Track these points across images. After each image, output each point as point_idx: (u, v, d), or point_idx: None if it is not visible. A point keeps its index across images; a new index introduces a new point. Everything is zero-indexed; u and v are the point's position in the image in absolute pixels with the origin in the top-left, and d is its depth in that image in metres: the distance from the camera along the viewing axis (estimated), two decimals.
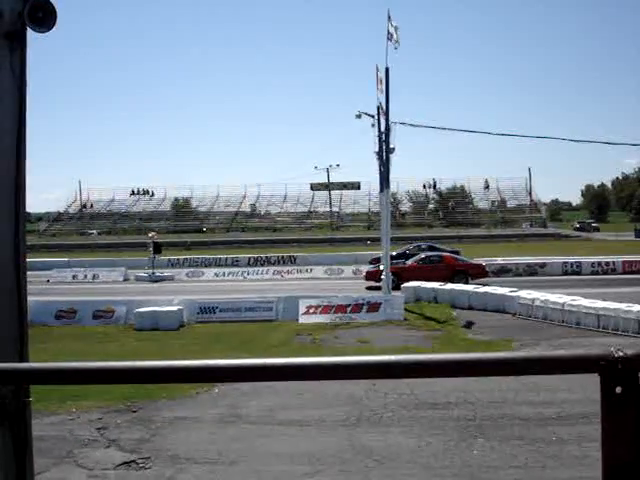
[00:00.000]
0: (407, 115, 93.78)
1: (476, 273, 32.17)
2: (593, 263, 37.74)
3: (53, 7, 5.06)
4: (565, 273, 36.82)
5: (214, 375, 2.04)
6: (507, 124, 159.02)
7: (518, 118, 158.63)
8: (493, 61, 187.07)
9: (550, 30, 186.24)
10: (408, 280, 28.82)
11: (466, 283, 29.44)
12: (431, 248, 40.32)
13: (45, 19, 5.08)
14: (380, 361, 1.73)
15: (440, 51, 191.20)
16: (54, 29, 5.13)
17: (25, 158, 5.33)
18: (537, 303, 21.21)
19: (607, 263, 37.46)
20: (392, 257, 38.29)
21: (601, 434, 1.64)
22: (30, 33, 5.19)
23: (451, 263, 32.57)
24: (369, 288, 31.35)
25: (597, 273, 36.54)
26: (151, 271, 41.66)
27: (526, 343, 17.27)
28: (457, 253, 39.35)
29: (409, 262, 33.45)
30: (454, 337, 18.81)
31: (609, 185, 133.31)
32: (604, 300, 19.97)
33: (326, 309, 22.51)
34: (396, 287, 29.40)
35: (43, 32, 5.15)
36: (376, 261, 38.02)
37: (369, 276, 33.84)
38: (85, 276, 43.47)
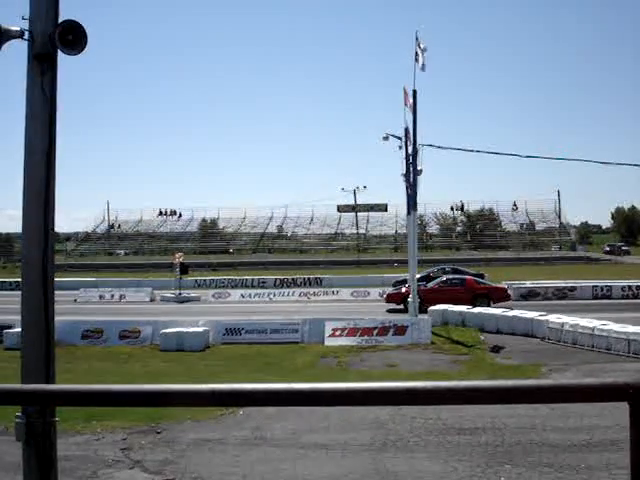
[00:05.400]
0: (435, 135, 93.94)
1: (498, 296, 31.91)
2: (624, 287, 37.21)
3: (84, 30, 5.14)
4: (595, 297, 36.31)
5: (238, 399, 2.02)
6: (536, 146, 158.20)
7: (548, 140, 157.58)
8: (524, 81, 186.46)
9: (580, 51, 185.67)
10: (429, 303, 28.61)
11: (488, 306, 29.25)
12: (455, 271, 40.26)
13: (75, 42, 5.17)
14: (407, 387, 1.70)
15: (468, 73, 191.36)
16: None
17: (54, 178, 5.41)
18: (566, 327, 20.92)
19: (638, 287, 36.89)
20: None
21: (630, 463, 1.59)
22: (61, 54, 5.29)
23: (472, 286, 32.32)
24: (390, 311, 31.18)
25: (628, 297, 35.99)
26: (177, 292, 41.87)
27: (555, 368, 17.02)
28: (481, 276, 39.22)
29: (430, 285, 33.27)
30: (482, 361, 18.59)
31: None
32: (635, 325, 19.63)
33: (352, 332, 22.39)
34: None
35: (73, 54, 5.23)
36: (399, 284, 37.94)
37: (390, 299, 33.72)
38: (112, 296, 43.78)
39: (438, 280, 34.01)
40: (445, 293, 30.99)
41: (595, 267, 64.46)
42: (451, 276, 35.12)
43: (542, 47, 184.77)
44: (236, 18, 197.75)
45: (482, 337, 22.84)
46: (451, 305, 27.28)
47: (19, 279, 5.72)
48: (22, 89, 5.29)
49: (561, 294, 37.14)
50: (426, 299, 29.90)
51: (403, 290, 33.36)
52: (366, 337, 22.09)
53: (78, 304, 39.59)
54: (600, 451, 9.82)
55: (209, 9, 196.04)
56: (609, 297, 36.18)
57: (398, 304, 32.21)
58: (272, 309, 34.00)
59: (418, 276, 38.96)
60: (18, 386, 2.14)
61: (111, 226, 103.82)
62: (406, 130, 26.47)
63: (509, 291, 33.37)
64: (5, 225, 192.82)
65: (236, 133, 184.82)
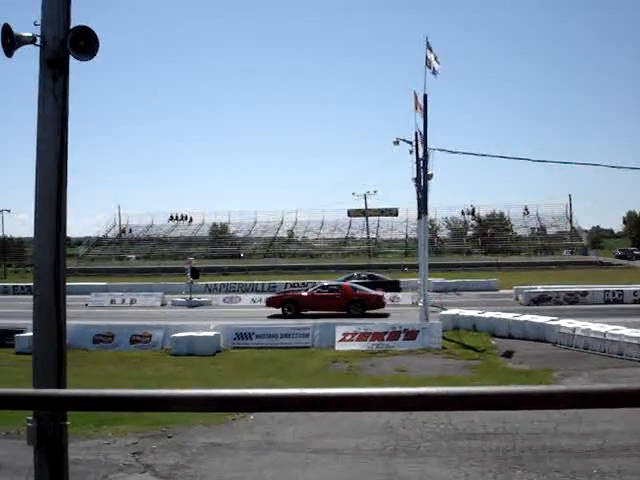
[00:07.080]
0: (445, 140, 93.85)
1: (371, 303, 32.10)
2: (636, 291, 36.98)
3: (95, 36, 5.17)
4: (607, 302, 36.08)
5: (250, 405, 2.02)
6: (548, 150, 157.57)
7: (560, 144, 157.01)
8: (535, 85, 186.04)
9: (593, 54, 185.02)
10: (306, 308, 29.26)
11: (362, 312, 30.60)
12: (372, 277, 42.65)
13: (87, 47, 5.19)
14: (418, 393, 1.69)
15: (480, 77, 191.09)
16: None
17: (66, 182, 5.44)
18: (578, 332, 20.81)
19: None
20: (312, 285, 38.96)
21: None
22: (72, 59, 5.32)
23: (348, 293, 32.56)
24: (272, 317, 31.41)
25: None
26: (188, 296, 41.92)
27: (567, 373, 16.94)
28: (396, 283, 41.88)
29: (310, 290, 33.70)
30: (493, 366, 18.52)
31: None
32: None
33: (363, 336, 22.35)
34: (295, 315, 30.73)
35: (85, 60, 5.25)
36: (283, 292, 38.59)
37: (269, 302, 33.70)
38: (123, 301, 43.88)
39: (318, 286, 34.57)
40: (320, 299, 31.74)
41: (607, 272, 64.14)
42: (330, 282, 35.64)
43: (555, 50, 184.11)
44: (247, 22, 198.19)
45: (493, 342, 22.76)
46: (462, 309, 27.27)
47: (31, 283, 5.75)
48: (34, 94, 5.32)
49: (573, 299, 36.90)
50: (303, 305, 31.30)
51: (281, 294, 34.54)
52: (377, 342, 22.04)
53: (89, 308, 39.73)
54: (612, 457, 9.76)
55: (218, 12, 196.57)
56: (621, 302, 35.94)
57: (277, 307, 32.59)
58: None
59: (341, 278, 40.65)
60: (31, 391, 2.15)
61: (122, 231, 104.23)
62: (417, 134, 26.52)
63: (384, 299, 33.14)
64: (17, 229, 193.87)
65: (247, 137, 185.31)
